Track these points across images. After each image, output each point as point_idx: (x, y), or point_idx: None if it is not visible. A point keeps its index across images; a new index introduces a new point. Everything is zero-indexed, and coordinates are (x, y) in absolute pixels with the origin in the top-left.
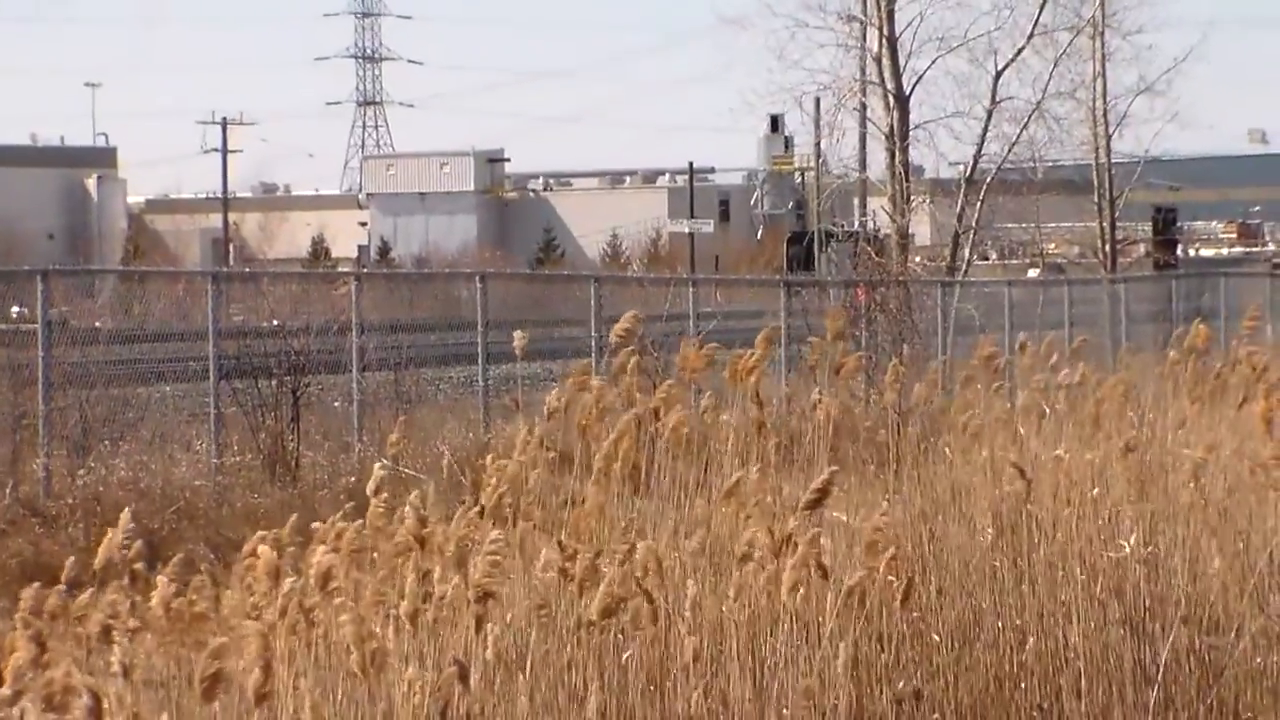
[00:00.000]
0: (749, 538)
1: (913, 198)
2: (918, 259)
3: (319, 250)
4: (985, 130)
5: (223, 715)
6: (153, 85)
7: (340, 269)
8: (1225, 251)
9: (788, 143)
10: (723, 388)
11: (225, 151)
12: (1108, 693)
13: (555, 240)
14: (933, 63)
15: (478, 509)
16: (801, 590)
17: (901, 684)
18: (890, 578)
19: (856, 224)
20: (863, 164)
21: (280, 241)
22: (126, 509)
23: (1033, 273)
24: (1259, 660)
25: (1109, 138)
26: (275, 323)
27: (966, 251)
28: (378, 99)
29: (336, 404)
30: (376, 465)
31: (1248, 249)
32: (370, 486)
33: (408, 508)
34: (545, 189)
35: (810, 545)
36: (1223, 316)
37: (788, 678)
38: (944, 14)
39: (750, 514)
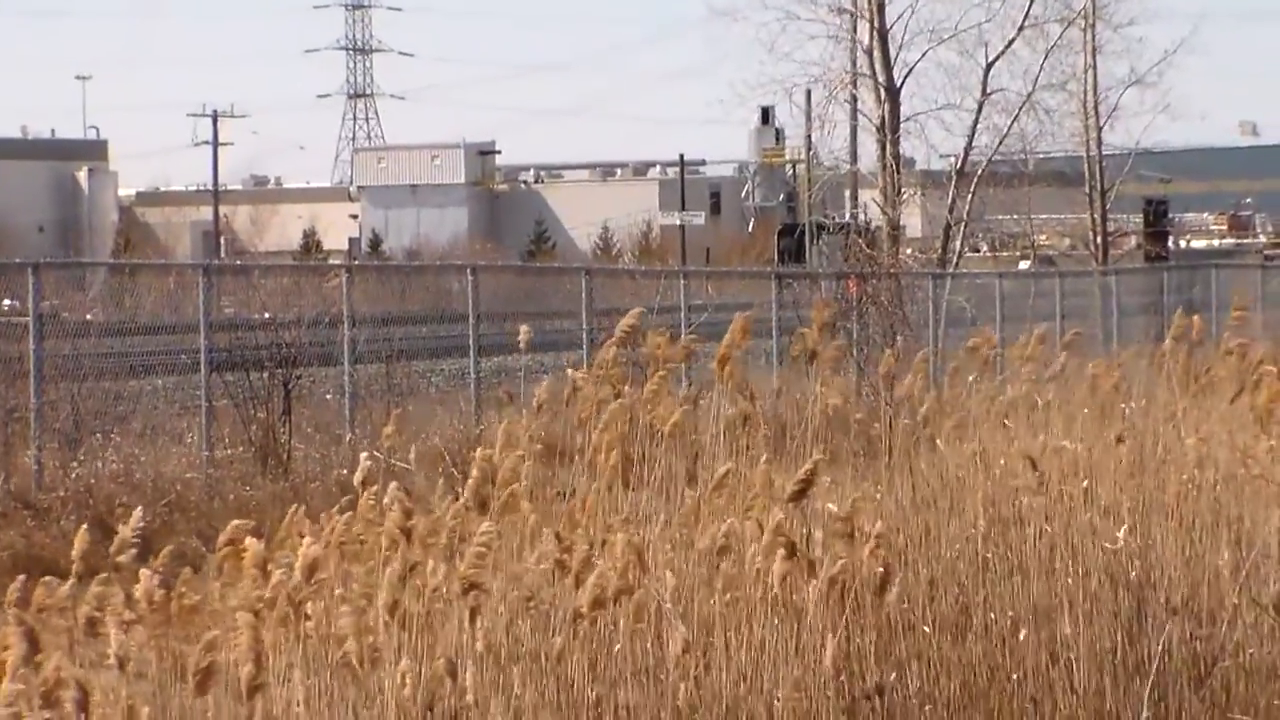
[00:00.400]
0: (726, 529)
1: (904, 190)
2: (909, 251)
3: (310, 243)
4: (976, 122)
5: (213, 708)
6: (143, 78)
7: (331, 261)
8: (1216, 243)
9: (779, 135)
10: (713, 379)
11: (216, 144)
12: (1100, 684)
13: (546, 232)
14: (923, 55)
15: (462, 501)
16: (785, 579)
17: (869, 679)
18: (879, 569)
19: (848, 216)
20: (854, 156)
21: (271, 234)
22: (138, 508)
23: (1024, 265)
24: (1251, 652)
25: (1100, 130)
26: (266, 315)
27: (958, 244)
28: (368, 91)
29: (328, 396)
30: (363, 456)
31: (1239, 241)
32: (357, 478)
33: (392, 499)
34: (536, 181)
35: (776, 532)
36: (1214, 308)
37: (776, 668)
38: (934, 6)
39: (750, 506)
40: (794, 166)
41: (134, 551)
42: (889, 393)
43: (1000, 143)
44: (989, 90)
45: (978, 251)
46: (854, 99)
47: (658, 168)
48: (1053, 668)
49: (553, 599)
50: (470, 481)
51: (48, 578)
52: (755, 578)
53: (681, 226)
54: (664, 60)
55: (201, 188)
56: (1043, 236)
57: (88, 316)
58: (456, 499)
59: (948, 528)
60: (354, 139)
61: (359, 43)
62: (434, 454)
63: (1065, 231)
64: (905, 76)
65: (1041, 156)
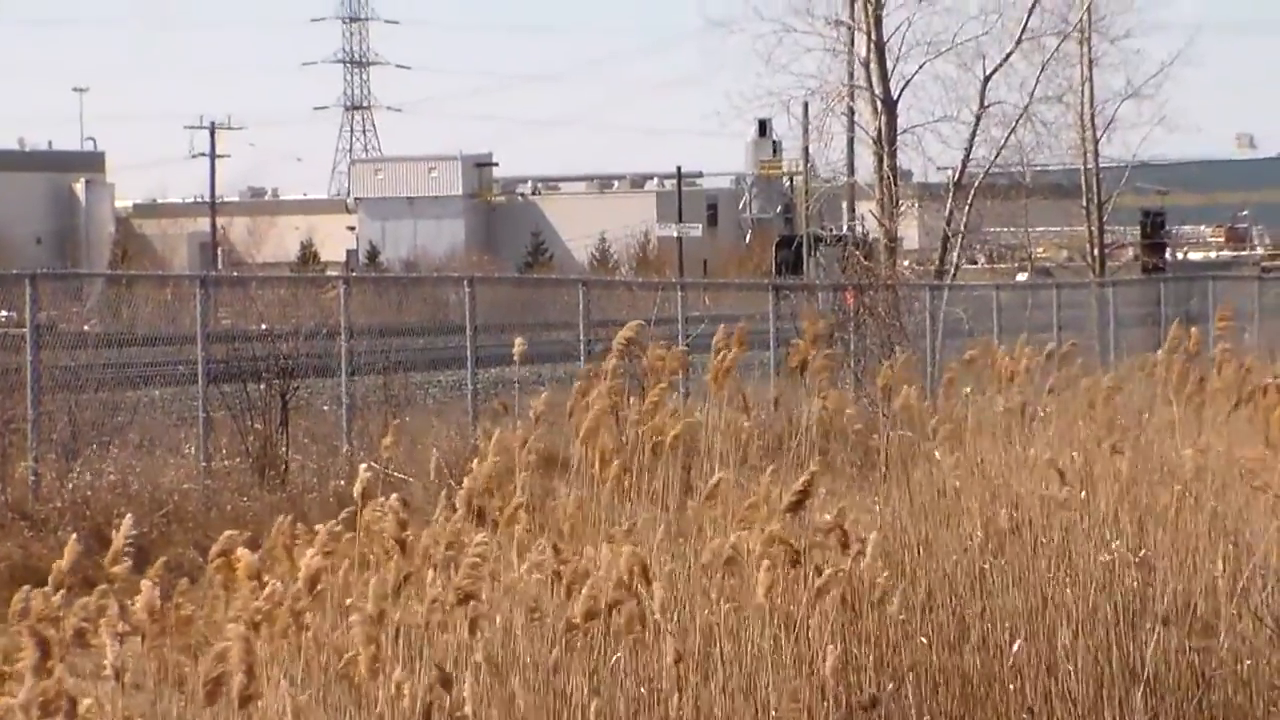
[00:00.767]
0: (726, 541)
1: (901, 202)
2: (906, 263)
3: (307, 254)
4: (973, 135)
5: (209, 718)
6: (140, 90)
7: (329, 273)
8: (1213, 255)
9: (776, 147)
10: (708, 390)
11: (213, 156)
12: (1097, 695)
13: (543, 244)
14: (920, 67)
15: (457, 511)
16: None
17: (863, 694)
18: (877, 579)
19: (845, 228)
20: (851, 168)
21: (268, 246)
22: (128, 515)
23: (1021, 276)
24: (1248, 662)
25: (1097, 142)
26: (264, 327)
27: (955, 255)
28: (365, 103)
29: (325, 408)
30: (362, 467)
31: (1236, 253)
32: (356, 489)
33: (388, 510)
34: (533, 193)
35: (773, 542)
36: (1210, 320)
37: (774, 679)
38: (932, 19)
39: (755, 519)
40: (791, 178)
41: (129, 562)
42: (886, 404)
43: (997, 155)
44: (986, 103)
45: (975, 263)
46: (851, 111)
47: (655, 179)
48: (1049, 678)
49: (550, 610)
50: (462, 492)
51: (45, 588)
52: (754, 588)
53: (679, 238)
54: (660, 71)
55: (198, 199)
56: (1040, 248)
57: (85, 328)
58: (454, 510)
59: (945, 539)
60: (351, 151)
61: (356, 55)
62: (432, 464)
63: (1062, 243)
64: (902, 89)
65: (1039, 169)
